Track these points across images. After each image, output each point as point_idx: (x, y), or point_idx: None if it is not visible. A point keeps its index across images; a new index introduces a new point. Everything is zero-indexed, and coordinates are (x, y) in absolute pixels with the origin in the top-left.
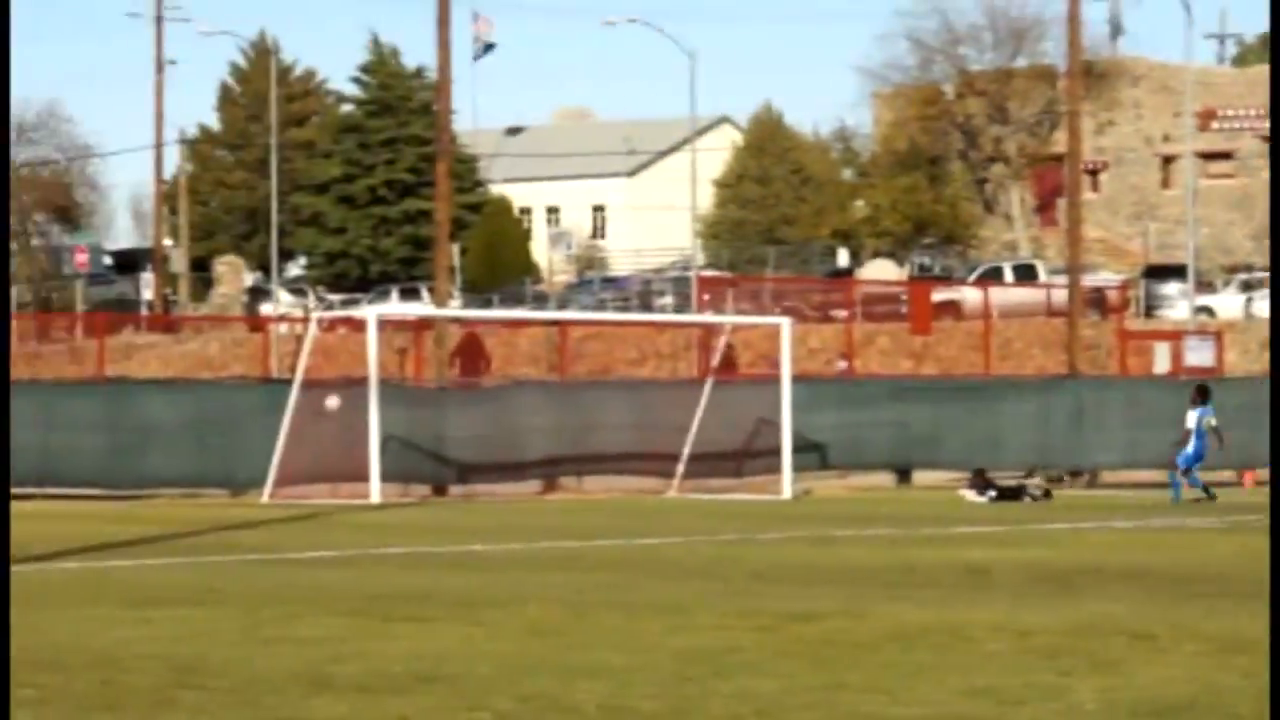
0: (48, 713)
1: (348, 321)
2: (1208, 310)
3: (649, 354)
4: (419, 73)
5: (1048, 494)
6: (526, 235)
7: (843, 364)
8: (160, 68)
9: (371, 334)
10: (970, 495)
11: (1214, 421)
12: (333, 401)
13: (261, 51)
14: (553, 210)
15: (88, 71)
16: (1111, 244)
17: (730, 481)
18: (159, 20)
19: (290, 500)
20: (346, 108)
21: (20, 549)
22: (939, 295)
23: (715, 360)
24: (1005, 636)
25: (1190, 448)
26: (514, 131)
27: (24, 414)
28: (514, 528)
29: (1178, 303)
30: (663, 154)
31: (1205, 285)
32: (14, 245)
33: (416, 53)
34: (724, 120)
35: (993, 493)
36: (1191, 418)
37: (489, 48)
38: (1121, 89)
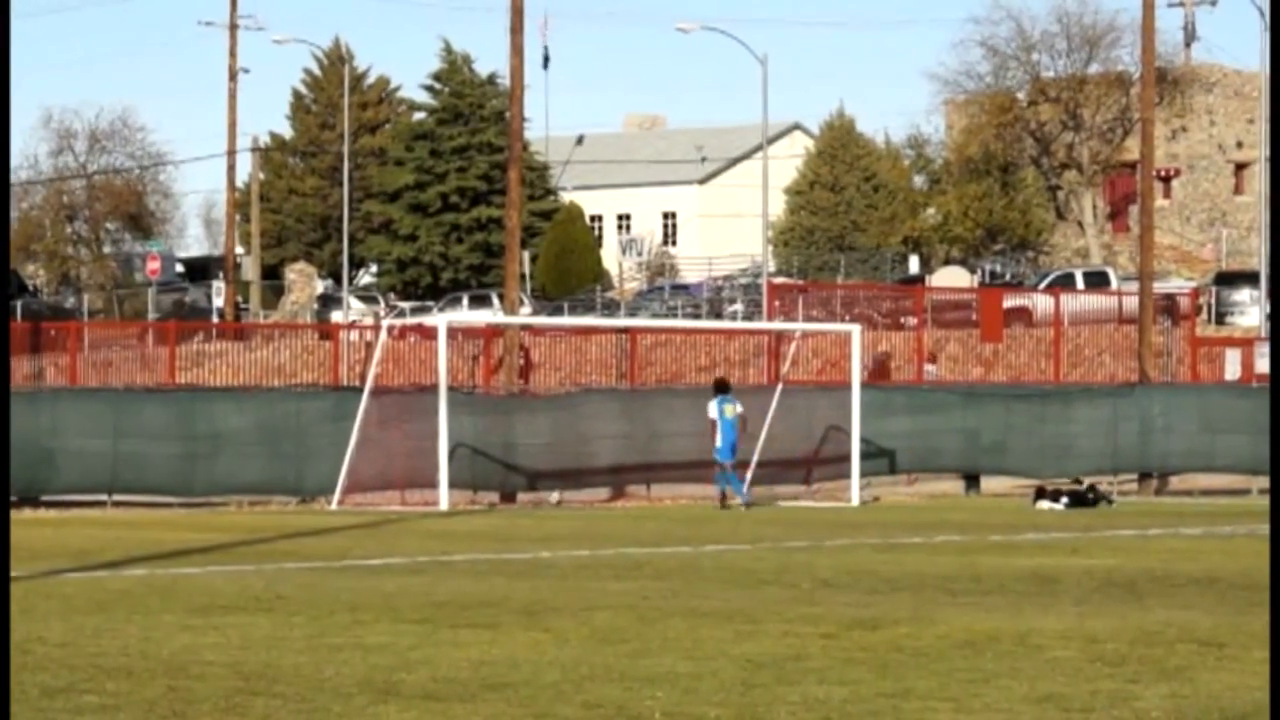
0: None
1: (418, 329)
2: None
3: (719, 361)
4: (491, 80)
5: (1098, 499)
6: (597, 242)
7: (931, 367)
8: (233, 76)
9: (441, 341)
10: (1044, 503)
11: (739, 409)
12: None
13: (334, 59)
14: (624, 217)
15: (161, 80)
16: (1183, 251)
17: (799, 488)
18: (233, 29)
19: (359, 507)
20: (418, 115)
21: (90, 556)
22: (1010, 302)
23: (786, 367)
24: (1072, 644)
25: (720, 440)
26: (578, 141)
27: (95, 421)
28: (581, 535)
29: (1249, 309)
30: (734, 161)
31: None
32: (86, 253)
33: (488, 60)
34: (795, 127)
35: (1065, 500)
36: (712, 408)
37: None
38: (1195, 95)
